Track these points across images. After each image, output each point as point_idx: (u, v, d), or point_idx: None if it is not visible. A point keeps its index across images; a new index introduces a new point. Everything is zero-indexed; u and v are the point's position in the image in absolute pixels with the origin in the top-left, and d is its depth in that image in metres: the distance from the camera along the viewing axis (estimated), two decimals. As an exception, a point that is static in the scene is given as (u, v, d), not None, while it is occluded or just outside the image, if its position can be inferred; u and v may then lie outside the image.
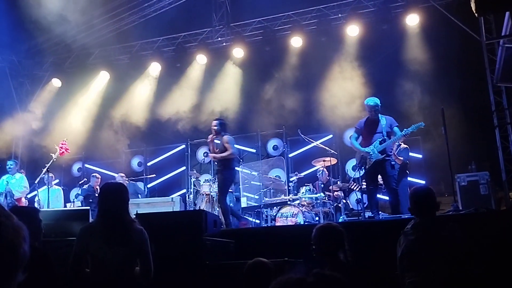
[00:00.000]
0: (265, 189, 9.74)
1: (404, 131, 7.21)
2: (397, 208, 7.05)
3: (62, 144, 8.17)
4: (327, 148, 9.22)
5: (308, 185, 9.06)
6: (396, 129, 7.37)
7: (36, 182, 9.29)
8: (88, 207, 8.05)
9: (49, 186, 9.11)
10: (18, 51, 12.67)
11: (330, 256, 3.53)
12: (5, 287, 0.89)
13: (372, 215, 7.17)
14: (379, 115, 7.43)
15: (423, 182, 9.62)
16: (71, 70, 12.84)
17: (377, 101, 7.45)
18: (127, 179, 10.66)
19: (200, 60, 12.11)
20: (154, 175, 11.81)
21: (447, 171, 7.01)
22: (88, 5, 11.08)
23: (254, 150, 11.92)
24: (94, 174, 10.79)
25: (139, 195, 10.77)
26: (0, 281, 0.88)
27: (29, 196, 9.72)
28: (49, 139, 11.23)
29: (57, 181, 10.98)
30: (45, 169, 8.45)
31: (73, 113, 12.43)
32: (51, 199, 8.70)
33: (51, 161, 8.28)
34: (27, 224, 1.00)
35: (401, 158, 8.31)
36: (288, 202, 8.76)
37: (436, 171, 9.60)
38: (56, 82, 12.96)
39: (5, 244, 0.90)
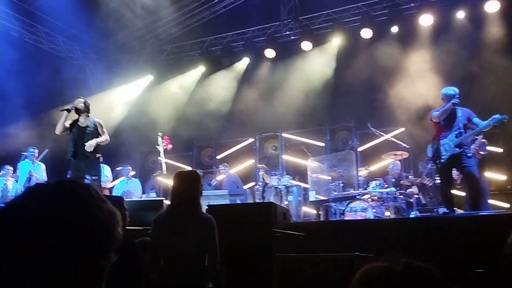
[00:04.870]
0: (333, 183, 9.63)
1: (487, 122, 6.58)
2: (477, 202, 6.64)
3: (165, 139, 8.73)
4: (398, 141, 8.96)
5: (379, 179, 8.85)
6: (476, 120, 6.77)
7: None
8: (163, 198, 8.40)
9: (128, 178, 10.03)
10: (97, 50, 13.37)
11: None
12: (103, 264, 0.98)
13: (448, 211, 6.84)
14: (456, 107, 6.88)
15: (504, 178, 9.11)
16: (146, 67, 13.37)
17: (457, 90, 6.89)
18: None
19: (269, 54, 12.19)
20: (224, 168, 11.97)
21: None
22: (159, 3, 11.50)
23: (323, 144, 11.80)
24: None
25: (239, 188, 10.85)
26: (100, 259, 0.97)
27: (109, 186, 10.27)
28: (126, 134, 11.88)
29: (133, 173, 11.46)
30: (162, 159, 8.85)
31: (151, 109, 12.88)
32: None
33: (162, 152, 8.76)
34: None
35: (483, 153, 7.90)
36: (358, 197, 8.61)
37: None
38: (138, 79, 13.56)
39: (102, 225, 1.00)
